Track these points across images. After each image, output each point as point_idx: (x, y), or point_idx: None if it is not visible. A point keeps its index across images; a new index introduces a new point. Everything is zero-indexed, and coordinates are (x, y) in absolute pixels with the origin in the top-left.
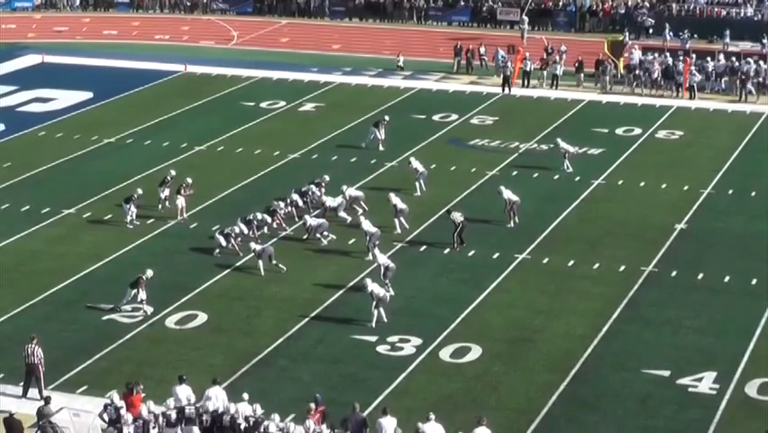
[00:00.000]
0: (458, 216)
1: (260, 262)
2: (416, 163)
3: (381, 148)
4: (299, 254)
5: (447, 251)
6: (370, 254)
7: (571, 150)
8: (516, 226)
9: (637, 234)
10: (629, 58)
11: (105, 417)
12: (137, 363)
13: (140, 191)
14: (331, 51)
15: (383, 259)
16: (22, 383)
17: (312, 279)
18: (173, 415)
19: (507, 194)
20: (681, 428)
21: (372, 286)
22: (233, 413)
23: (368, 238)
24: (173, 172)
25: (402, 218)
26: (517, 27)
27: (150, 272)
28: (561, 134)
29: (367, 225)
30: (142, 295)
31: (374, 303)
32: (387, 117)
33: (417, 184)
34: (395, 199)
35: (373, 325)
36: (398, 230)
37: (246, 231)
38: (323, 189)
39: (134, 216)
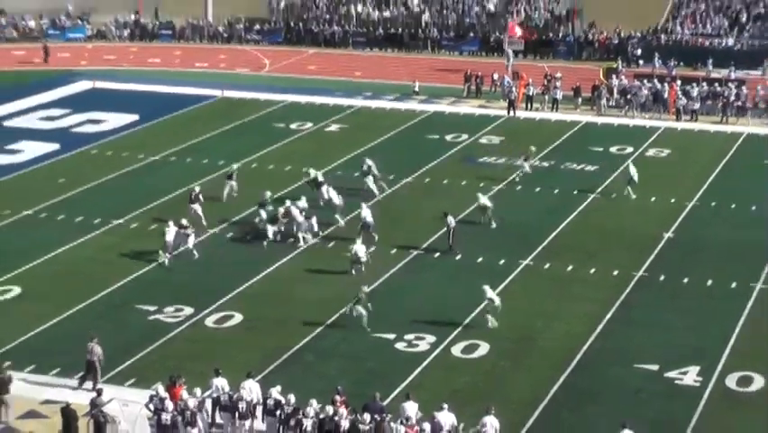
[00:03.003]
0: (451, 221)
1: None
2: (483, 199)
3: (383, 186)
4: (324, 260)
5: (459, 257)
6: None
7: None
8: (497, 228)
9: (629, 242)
10: (617, 84)
11: (151, 406)
12: (179, 358)
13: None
14: (353, 78)
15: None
16: (78, 375)
17: (336, 282)
18: (209, 403)
19: (483, 200)
20: (669, 416)
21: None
22: (276, 398)
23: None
24: (197, 189)
25: (371, 231)
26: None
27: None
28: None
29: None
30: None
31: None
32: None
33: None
34: (365, 212)
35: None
36: (341, 223)
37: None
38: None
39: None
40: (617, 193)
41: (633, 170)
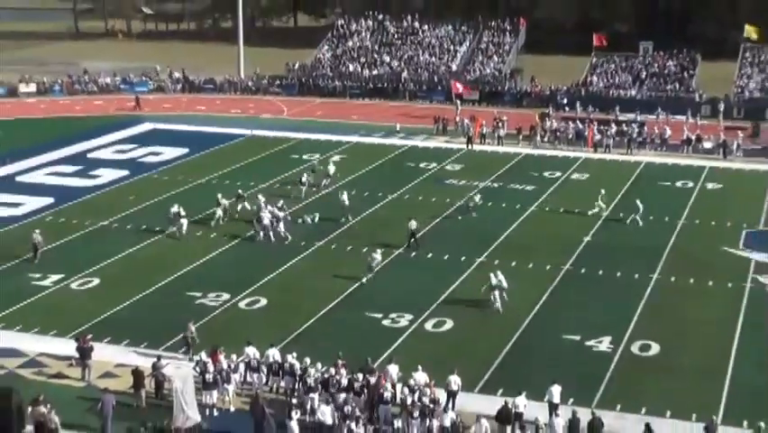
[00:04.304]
0: (413, 224)
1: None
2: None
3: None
4: (331, 256)
5: (430, 255)
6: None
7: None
8: (459, 232)
9: (559, 244)
10: (549, 125)
11: (197, 369)
12: (219, 332)
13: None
14: (351, 120)
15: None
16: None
17: (339, 274)
18: (242, 366)
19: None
20: (588, 374)
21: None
22: (291, 362)
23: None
24: (225, 202)
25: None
26: (477, 104)
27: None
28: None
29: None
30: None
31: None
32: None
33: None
34: (343, 195)
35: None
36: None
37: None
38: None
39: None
40: (550, 207)
41: (639, 204)
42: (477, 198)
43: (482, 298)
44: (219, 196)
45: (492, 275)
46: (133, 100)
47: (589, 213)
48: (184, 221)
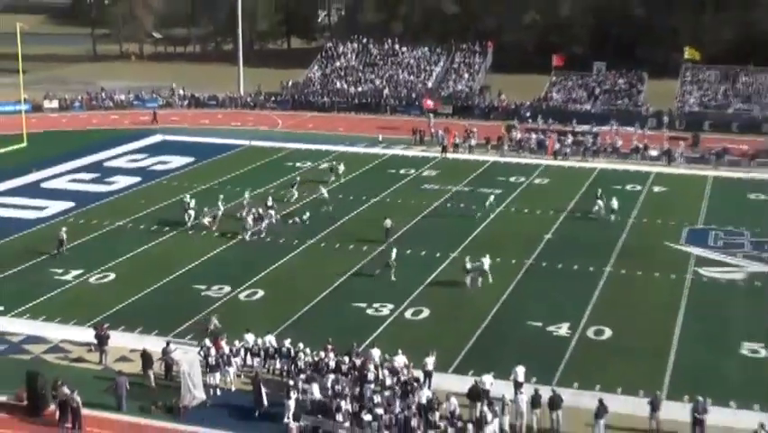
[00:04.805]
0: (388, 222)
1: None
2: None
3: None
4: (321, 253)
5: (409, 251)
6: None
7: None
8: (433, 231)
9: (522, 240)
10: (514, 135)
11: (202, 353)
12: (221, 321)
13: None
14: (338, 132)
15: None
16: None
17: (327, 268)
18: (242, 351)
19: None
20: (550, 356)
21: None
22: (287, 347)
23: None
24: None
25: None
26: (450, 117)
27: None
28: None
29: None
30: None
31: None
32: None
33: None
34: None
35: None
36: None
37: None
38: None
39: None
40: (515, 208)
41: (615, 203)
42: (491, 198)
43: (458, 286)
44: (221, 197)
45: (468, 259)
46: (151, 115)
47: (596, 210)
48: (192, 212)
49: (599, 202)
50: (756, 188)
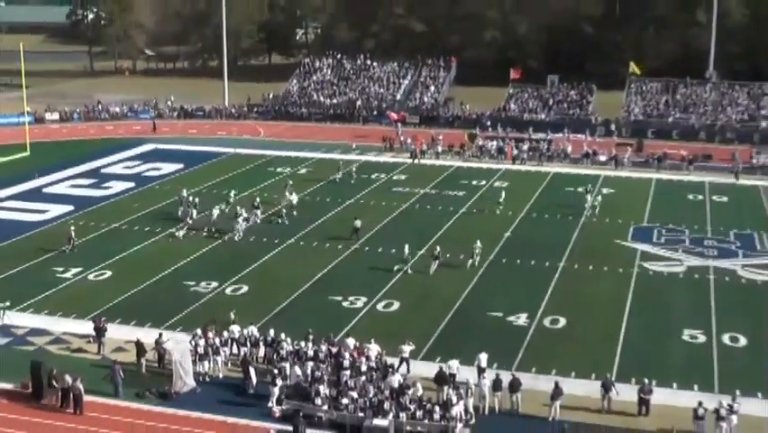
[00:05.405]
0: (358, 223)
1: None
2: (292, 196)
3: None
4: (300, 251)
5: (380, 249)
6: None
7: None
8: (403, 230)
9: (485, 238)
10: (476, 142)
11: (192, 343)
12: (210, 313)
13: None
14: (315, 140)
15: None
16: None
17: (307, 264)
18: (229, 341)
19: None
20: (509, 344)
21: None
22: (272, 336)
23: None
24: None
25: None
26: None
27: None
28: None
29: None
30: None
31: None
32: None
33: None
34: (292, 195)
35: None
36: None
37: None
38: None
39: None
40: (477, 208)
41: (597, 200)
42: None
43: (425, 280)
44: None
45: (438, 247)
46: (151, 125)
47: (586, 205)
48: (190, 209)
49: (588, 197)
50: (694, 189)
